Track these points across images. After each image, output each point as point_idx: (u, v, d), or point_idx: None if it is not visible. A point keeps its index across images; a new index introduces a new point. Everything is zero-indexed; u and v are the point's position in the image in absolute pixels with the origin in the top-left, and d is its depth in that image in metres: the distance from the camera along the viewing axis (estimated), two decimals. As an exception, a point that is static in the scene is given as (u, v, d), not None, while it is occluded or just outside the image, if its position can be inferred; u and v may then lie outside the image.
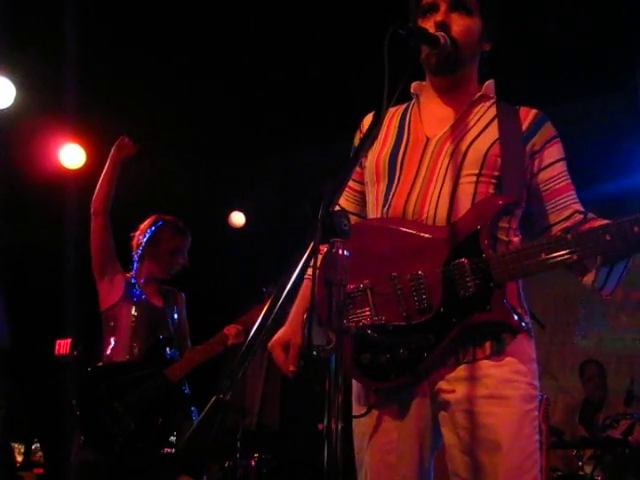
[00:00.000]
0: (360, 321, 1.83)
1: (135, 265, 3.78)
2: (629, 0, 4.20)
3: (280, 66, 4.91)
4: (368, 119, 2.07)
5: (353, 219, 2.00)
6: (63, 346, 6.36)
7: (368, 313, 1.83)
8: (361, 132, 2.09)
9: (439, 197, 1.85)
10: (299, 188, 6.44)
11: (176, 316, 3.77)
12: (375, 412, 1.86)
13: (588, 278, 1.82)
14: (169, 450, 3.38)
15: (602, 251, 1.68)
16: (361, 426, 1.91)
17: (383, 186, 1.94)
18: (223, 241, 6.85)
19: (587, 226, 1.81)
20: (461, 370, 1.80)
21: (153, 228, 3.75)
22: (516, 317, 1.77)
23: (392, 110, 2.07)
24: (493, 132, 1.90)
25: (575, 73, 4.77)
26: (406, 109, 2.07)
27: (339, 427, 1.32)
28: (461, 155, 1.87)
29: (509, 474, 1.73)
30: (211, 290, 6.86)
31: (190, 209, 6.07)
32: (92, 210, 3.67)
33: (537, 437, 1.81)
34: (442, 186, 1.85)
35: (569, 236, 1.71)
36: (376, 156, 1.99)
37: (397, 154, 1.95)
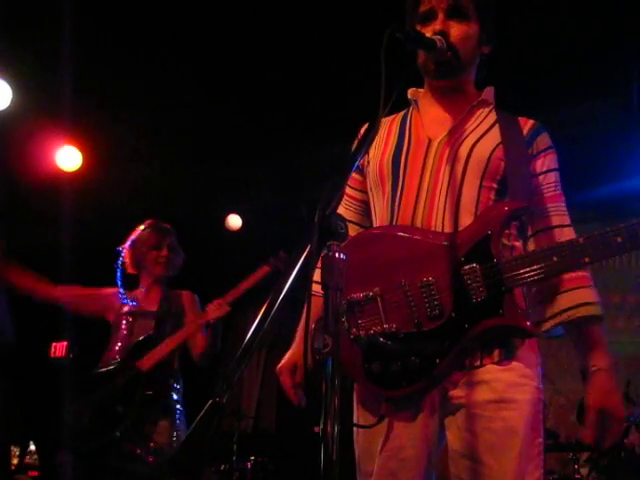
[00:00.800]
0: (370, 329, 1.82)
1: (140, 279, 3.86)
2: (625, 6, 4.21)
3: (278, 67, 4.90)
4: (365, 127, 2.05)
5: (354, 229, 2.03)
6: (59, 349, 6.35)
7: (378, 321, 1.82)
8: (358, 138, 2.07)
9: (445, 203, 1.85)
10: (296, 191, 6.44)
11: (177, 318, 3.74)
12: (385, 420, 1.85)
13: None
14: (137, 449, 3.34)
15: (613, 253, 1.69)
16: (366, 433, 1.90)
17: (388, 189, 1.94)
18: (220, 244, 6.84)
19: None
20: (470, 375, 1.80)
21: (132, 236, 3.85)
22: (530, 322, 1.78)
23: (391, 117, 2.08)
24: (495, 136, 1.91)
25: (571, 77, 4.78)
26: (405, 114, 2.07)
27: (336, 430, 1.32)
28: (464, 159, 1.88)
29: (514, 477, 1.74)
30: (208, 293, 6.85)
31: (187, 212, 6.08)
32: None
33: (541, 440, 1.82)
34: (447, 192, 1.86)
35: (581, 239, 1.72)
36: (378, 160, 1.98)
37: (400, 156, 1.95)
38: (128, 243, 3.82)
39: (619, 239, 1.65)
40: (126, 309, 3.73)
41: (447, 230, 1.84)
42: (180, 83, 5.07)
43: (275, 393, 7.41)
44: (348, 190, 2.12)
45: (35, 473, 6.13)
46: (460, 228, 1.83)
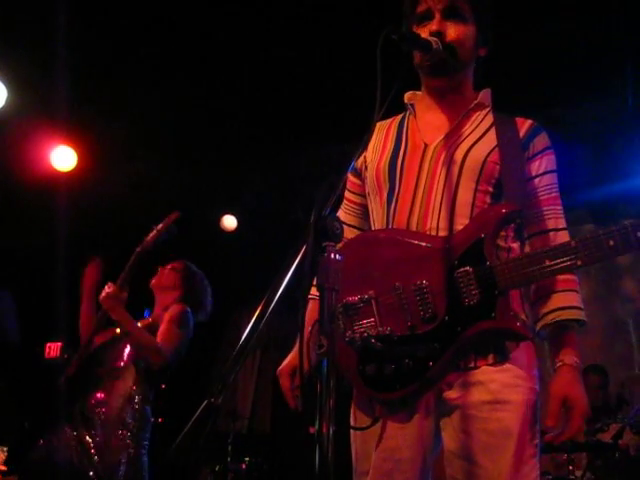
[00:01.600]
0: (365, 332, 1.82)
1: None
2: (619, 7, 4.23)
3: (274, 69, 4.90)
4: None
5: (354, 233, 2.05)
6: (53, 349, 6.33)
7: (373, 323, 1.83)
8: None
9: (440, 207, 1.86)
10: (292, 192, 6.44)
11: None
12: (379, 422, 1.86)
13: None
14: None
15: (606, 256, 1.68)
16: (363, 434, 1.90)
17: (385, 193, 1.95)
18: (215, 245, 6.83)
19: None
20: (465, 376, 1.81)
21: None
22: (521, 324, 1.78)
23: (389, 121, 2.09)
24: (491, 139, 1.92)
25: (566, 79, 4.79)
26: (403, 119, 2.08)
27: (331, 431, 1.32)
28: (459, 163, 1.88)
29: (509, 478, 1.74)
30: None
31: (182, 212, 6.07)
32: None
33: (537, 441, 1.82)
34: (442, 195, 1.87)
35: (573, 242, 1.72)
36: (375, 166, 1.99)
37: (396, 161, 1.96)
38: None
39: (611, 242, 1.65)
40: None
41: (442, 233, 1.85)
42: (176, 84, 5.06)
43: (270, 394, 7.41)
44: (348, 194, 2.13)
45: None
46: (455, 231, 1.84)
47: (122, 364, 3.40)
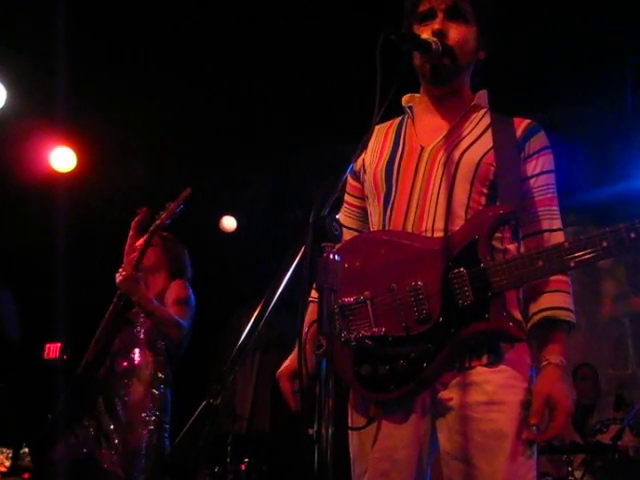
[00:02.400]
0: (360, 332, 1.83)
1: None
2: (619, 10, 4.23)
3: (274, 70, 4.91)
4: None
5: (353, 235, 2.06)
6: (53, 350, 6.33)
7: (368, 324, 1.84)
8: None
9: (436, 208, 1.87)
10: (291, 192, 6.45)
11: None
12: (375, 422, 1.86)
13: None
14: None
15: (599, 258, 1.69)
16: (360, 434, 1.91)
17: (382, 197, 1.96)
18: (214, 246, 6.83)
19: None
20: (460, 377, 1.81)
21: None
22: (514, 325, 1.78)
23: (388, 124, 2.10)
24: (487, 140, 1.92)
25: (565, 81, 4.80)
26: (401, 121, 2.09)
27: (330, 432, 1.32)
28: (454, 164, 1.89)
29: (505, 479, 1.74)
30: (201, 295, 6.83)
31: (181, 213, 6.06)
32: None
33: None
34: (438, 197, 1.88)
35: (566, 244, 1.73)
36: (373, 169, 2.00)
37: (393, 164, 1.97)
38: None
39: (604, 243, 1.65)
40: None
41: (438, 235, 1.86)
42: (175, 84, 5.07)
43: (269, 395, 7.41)
44: (347, 197, 2.14)
45: (28, 475, 6.10)
46: (450, 233, 1.85)
47: (140, 350, 3.42)
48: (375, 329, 1.82)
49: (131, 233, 3.61)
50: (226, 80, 5.06)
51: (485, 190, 1.88)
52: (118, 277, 3.30)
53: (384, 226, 1.95)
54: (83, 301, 5.87)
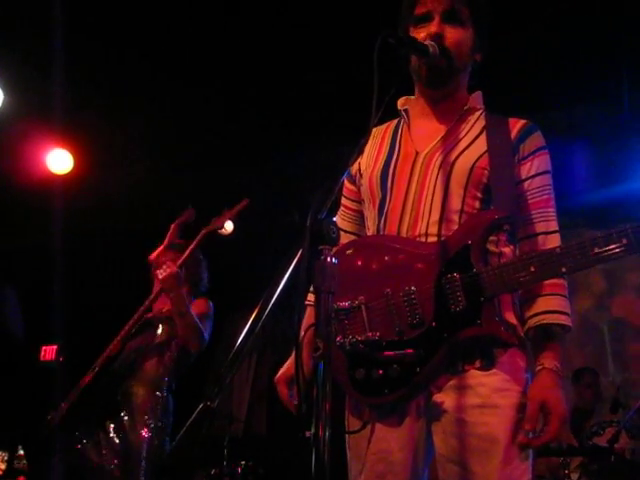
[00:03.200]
0: (354, 337, 1.84)
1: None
2: (615, 10, 4.24)
3: (268, 74, 4.91)
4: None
5: (350, 239, 2.07)
6: (49, 352, 6.32)
7: (363, 329, 1.85)
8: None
9: (430, 213, 1.87)
10: (288, 195, 6.44)
11: None
12: (370, 425, 1.87)
13: None
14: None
15: (591, 263, 1.69)
16: (356, 437, 1.91)
17: (377, 201, 1.97)
18: (211, 248, 6.82)
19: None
20: (454, 380, 1.81)
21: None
22: (507, 331, 1.78)
23: (384, 127, 2.10)
24: (482, 144, 1.92)
25: (562, 82, 4.80)
26: (397, 125, 2.09)
27: (327, 434, 1.32)
28: (448, 169, 1.89)
29: None
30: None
31: (178, 215, 6.06)
32: None
33: None
34: (432, 202, 1.88)
35: (558, 249, 1.74)
36: (369, 174, 2.01)
37: (388, 170, 1.97)
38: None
39: (596, 249, 1.66)
40: None
41: (431, 240, 1.86)
42: (172, 87, 5.06)
43: (266, 397, 7.40)
44: (344, 201, 2.15)
45: (23, 478, 6.09)
46: (444, 238, 1.85)
47: (152, 354, 3.43)
48: (369, 334, 1.83)
49: (171, 231, 3.73)
50: (223, 82, 5.06)
51: (479, 194, 1.88)
52: (162, 273, 3.29)
53: (379, 231, 1.96)
54: (80, 303, 5.87)
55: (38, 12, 4.26)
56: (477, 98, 2.04)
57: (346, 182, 2.12)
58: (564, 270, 1.71)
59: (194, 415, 1.30)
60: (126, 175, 5.95)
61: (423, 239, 1.87)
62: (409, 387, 1.79)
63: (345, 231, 2.09)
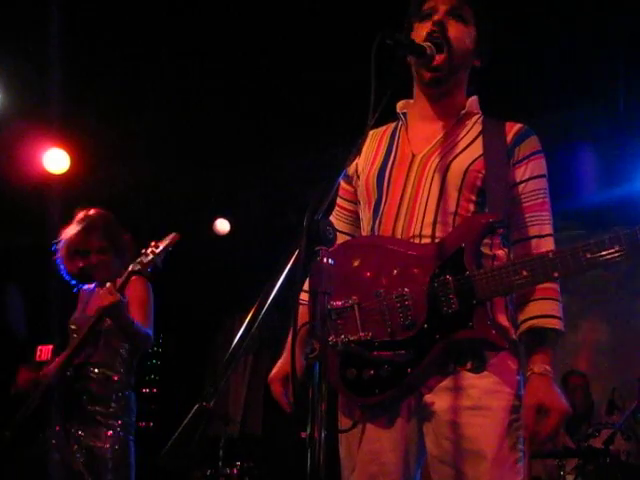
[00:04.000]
0: (347, 336, 1.84)
1: None
2: (611, 12, 4.25)
3: (267, 73, 4.91)
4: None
5: (345, 239, 2.07)
6: (44, 352, 6.30)
7: (355, 329, 1.85)
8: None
9: (424, 216, 1.88)
10: (284, 195, 6.44)
11: None
12: (360, 425, 1.88)
13: None
14: None
15: (583, 269, 1.70)
16: (347, 436, 1.91)
17: (373, 203, 1.98)
18: (208, 248, 6.82)
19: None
20: (445, 381, 1.82)
21: None
22: (498, 335, 1.78)
23: (382, 129, 2.11)
24: (477, 148, 1.93)
25: (557, 84, 4.81)
26: (395, 127, 2.10)
27: (322, 435, 1.32)
28: (443, 172, 1.90)
29: None
30: (195, 297, 6.83)
31: (175, 215, 6.06)
32: None
33: (521, 447, 1.82)
34: (427, 204, 1.89)
35: (551, 254, 1.75)
36: (366, 175, 2.02)
37: (384, 171, 1.99)
38: None
39: (588, 255, 1.67)
40: None
41: (425, 241, 1.87)
42: (170, 86, 5.06)
43: (261, 398, 7.40)
44: (340, 201, 2.16)
45: None
46: (438, 240, 1.86)
47: (104, 355, 3.37)
48: (362, 334, 1.83)
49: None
50: (221, 83, 5.06)
51: (474, 197, 1.89)
52: (104, 301, 3.14)
53: (373, 231, 1.97)
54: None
55: (35, 11, 4.26)
56: (472, 103, 2.05)
57: (342, 183, 2.12)
58: (556, 275, 1.72)
59: (190, 416, 1.30)
60: (122, 175, 5.95)
61: (417, 240, 1.87)
62: (400, 388, 1.80)
63: (340, 231, 2.07)
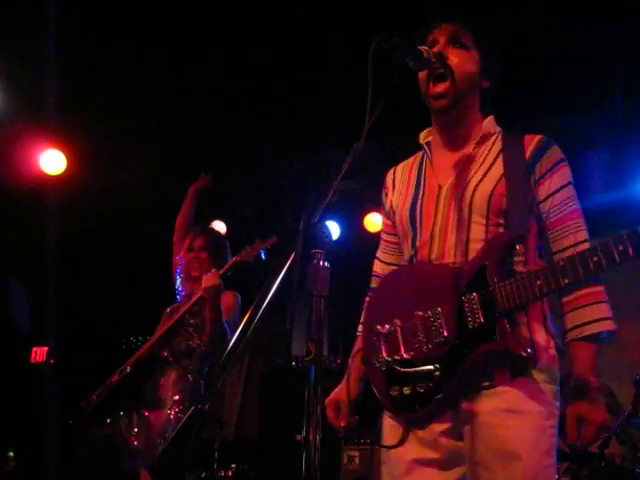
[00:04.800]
0: (391, 357, 1.98)
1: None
2: (608, 19, 4.26)
3: (263, 78, 4.91)
4: (390, 176, 2.24)
5: (392, 269, 2.23)
6: (39, 354, 6.29)
7: (398, 349, 1.97)
8: (386, 188, 2.24)
9: (456, 243, 1.96)
10: (281, 198, 6.44)
11: None
12: (405, 438, 1.97)
13: None
14: None
15: (592, 273, 1.74)
16: (390, 452, 2.00)
17: (410, 237, 2.08)
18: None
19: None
20: (482, 390, 1.88)
21: None
22: (521, 346, 1.83)
23: (410, 161, 2.22)
24: (498, 169, 1.98)
25: (554, 90, 4.82)
26: (421, 159, 2.18)
27: (317, 438, 1.32)
28: (468, 201, 1.97)
29: None
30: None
31: (171, 218, 6.06)
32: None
33: (554, 453, 1.88)
34: (457, 235, 1.97)
35: (561, 262, 1.78)
36: (400, 212, 2.12)
37: (415, 206, 2.08)
38: None
39: (595, 258, 1.71)
40: None
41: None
42: (166, 88, 5.06)
43: (257, 401, 7.39)
44: (384, 235, 2.28)
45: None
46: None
47: (183, 348, 3.54)
48: (403, 354, 1.96)
49: (188, 199, 4.05)
50: (217, 84, 5.06)
51: (501, 220, 1.95)
52: (206, 282, 3.37)
53: (412, 260, 2.08)
54: (72, 304, 5.85)
55: (32, 13, 4.26)
56: (489, 124, 2.09)
57: (384, 218, 2.27)
58: (567, 281, 1.76)
59: (185, 418, 1.30)
60: (119, 176, 5.94)
61: (450, 266, 1.96)
62: (438, 402, 1.89)
63: (387, 263, 2.23)
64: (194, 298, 3.54)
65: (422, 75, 2.03)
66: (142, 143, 5.61)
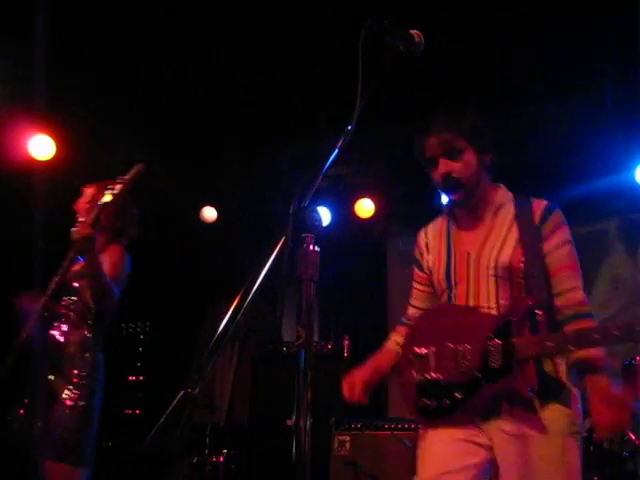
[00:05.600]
0: (424, 375, 2.37)
1: None
2: (598, 7, 4.26)
3: (254, 64, 4.89)
4: (422, 238, 2.58)
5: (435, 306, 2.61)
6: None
7: (430, 370, 2.37)
8: (418, 247, 2.59)
9: (488, 301, 2.34)
10: (272, 183, 6.44)
11: None
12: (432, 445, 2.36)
13: None
14: None
15: (592, 345, 2.13)
16: (422, 449, 2.40)
17: (446, 295, 2.45)
18: (194, 236, 6.81)
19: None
20: (500, 414, 2.25)
21: None
22: (529, 390, 2.20)
23: (439, 223, 2.56)
24: (513, 238, 2.34)
25: (545, 77, 4.83)
26: (448, 225, 2.53)
27: (308, 423, 1.32)
28: (493, 269, 2.34)
29: None
30: (182, 284, 6.81)
31: (162, 203, 6.04)
32: None
33: (580, 470, 2.23)
34: (488, 296, 2.35)
35: (570, 333, 2.19)
36: (437, 272, 2.48)
37: (450, 269, 2.45)
38: None
39: (597, 336, 2.11)
40: None
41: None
42: (156, 74, 5.03)
43: (248, 386, 7.40)
44: (416, 285, 2.63)
45: None
46: (496, 313, 2.34)
47: (76, 310, 3.40)
48: (433, 374, 2.36)
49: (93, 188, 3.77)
50: (208, 71, 5.04)
51: (522, 281, 2.31)
52: (75, 233, 3.26)
53: None
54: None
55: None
56: (502, 194, 2.43)
57: (416, 270, 2.62)
58: (571, 348, 2.15)
59: (175, 403, 1.29)
60: (108, 161, 5.91)
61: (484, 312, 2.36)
62: (456, 417, 2.30)
63: (419, 308, 2.61)
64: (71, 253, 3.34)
65: (435, 181, 2.38)
66: (132, 129, 5.59)
